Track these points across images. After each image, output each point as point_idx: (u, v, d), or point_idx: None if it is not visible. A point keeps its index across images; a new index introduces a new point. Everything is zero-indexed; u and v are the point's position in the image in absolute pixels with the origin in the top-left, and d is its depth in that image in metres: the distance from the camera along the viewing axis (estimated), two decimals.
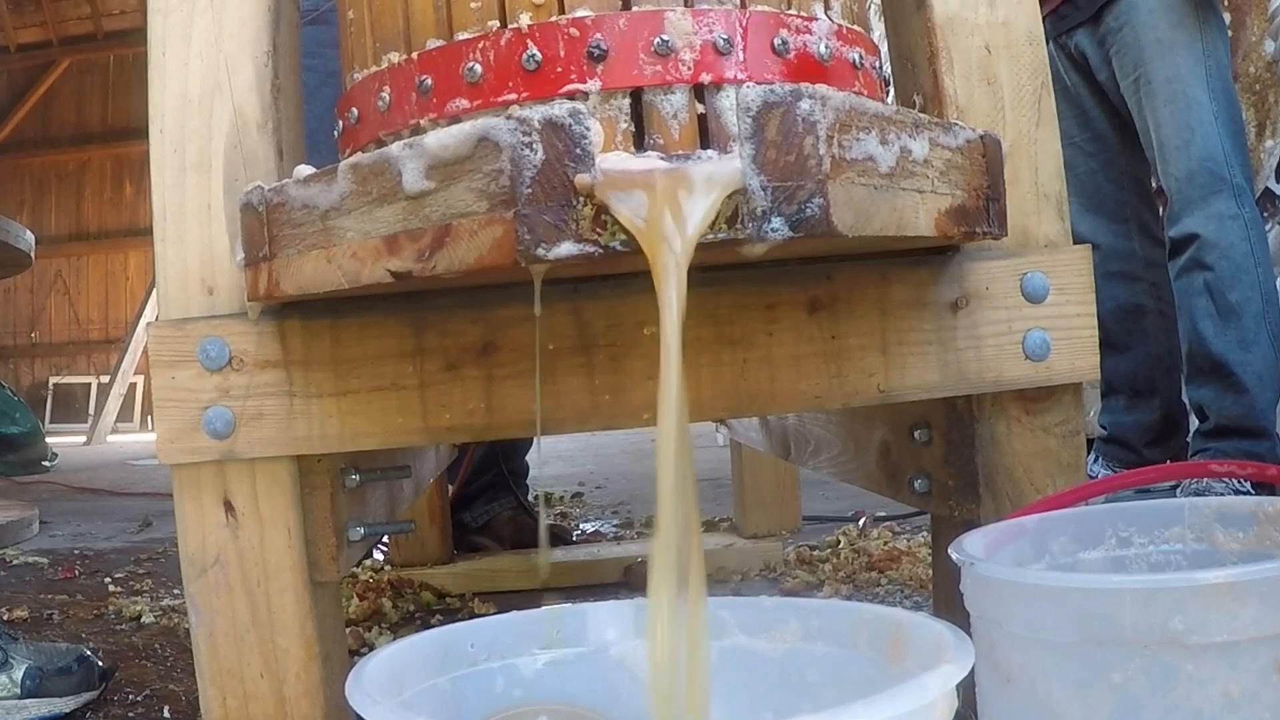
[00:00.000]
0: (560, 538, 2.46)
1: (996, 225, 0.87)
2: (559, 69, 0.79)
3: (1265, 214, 2.75)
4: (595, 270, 0.89)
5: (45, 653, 1.49)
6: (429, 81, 0.84)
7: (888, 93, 1.01)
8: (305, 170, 0.83)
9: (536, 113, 0.68)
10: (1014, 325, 0.99)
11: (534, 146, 0.68)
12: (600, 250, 0.68)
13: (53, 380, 10.76)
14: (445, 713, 0.71)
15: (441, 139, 0.71)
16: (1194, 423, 2.40)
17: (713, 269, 0.94)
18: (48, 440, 3.66)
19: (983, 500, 1.01)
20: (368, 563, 2.30)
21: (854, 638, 0.71)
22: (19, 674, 1.43)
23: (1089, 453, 1.81)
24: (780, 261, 0.96)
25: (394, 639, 1.09)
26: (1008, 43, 1.02)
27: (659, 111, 0.80)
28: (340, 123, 0.95)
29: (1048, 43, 1.05)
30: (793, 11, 0.85)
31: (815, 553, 2.19)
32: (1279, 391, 2.29)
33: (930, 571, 1.39)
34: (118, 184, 11.10)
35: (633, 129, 0.80)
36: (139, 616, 2.02)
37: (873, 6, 2.36)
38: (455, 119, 0.82)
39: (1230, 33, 2.50)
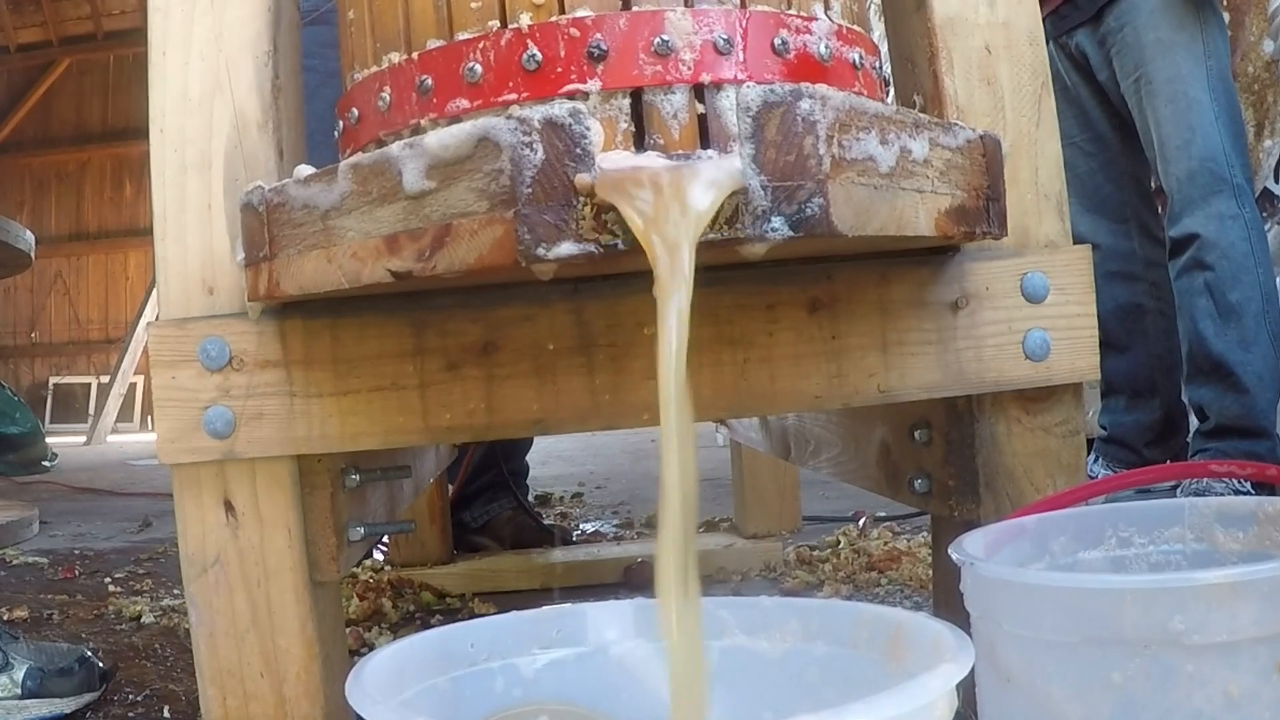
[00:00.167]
0: (560, 538, 2.46)
1: (996, 225, 0.87)
2: (559, 69, 0.80)
3: (1264, 214, 2.75)
4: (595, 270, 0.89)
5: (46, 653, 1.49)
6: (429, 81, 0.84)
7: (888, 93, 1.01)
8: (305, 170, 0.83)
9: (537, 113, 0.68)
10: (1014, 325, 0.99)
11: (534, 146, 0.68)
12: (600, 250, 0.68)
13: (53, 380, 10.76)
14: (445, 713, 0.71)
15: (442, 139, 0.71)
16: (1194, 423, 2.40)
17: (713, 269, 0.94)
18: (48, 440, 3.66)
19: (983, 500, 1.01)
20: (368, 563, 2.30)
21: (854, 638, 0.71)
22: (20, 674, 1.43)
23: (1089, 453, 1.81)
24: (780, 261, 0.96)
25: (394, 639, 1.09)
26: (1008, 43, 1.02)
27: (659, 111, 0.80)
28: (340, 123, 0.95)
29: (1048, 43, 1.05)
30: (793, 11, 0.85)
31: (815, 553, 2.18)
32: (1279, 391, 2.29)
33: (930, 571, 1.39)
34: (118, 184, 11.10)
35: (633, 129, 0.80)
36: (139, 616, 2.02)
37: (873, 6, 2.36)
38: (455, 119, 0.82)
39: (1229, 32, 2.50)
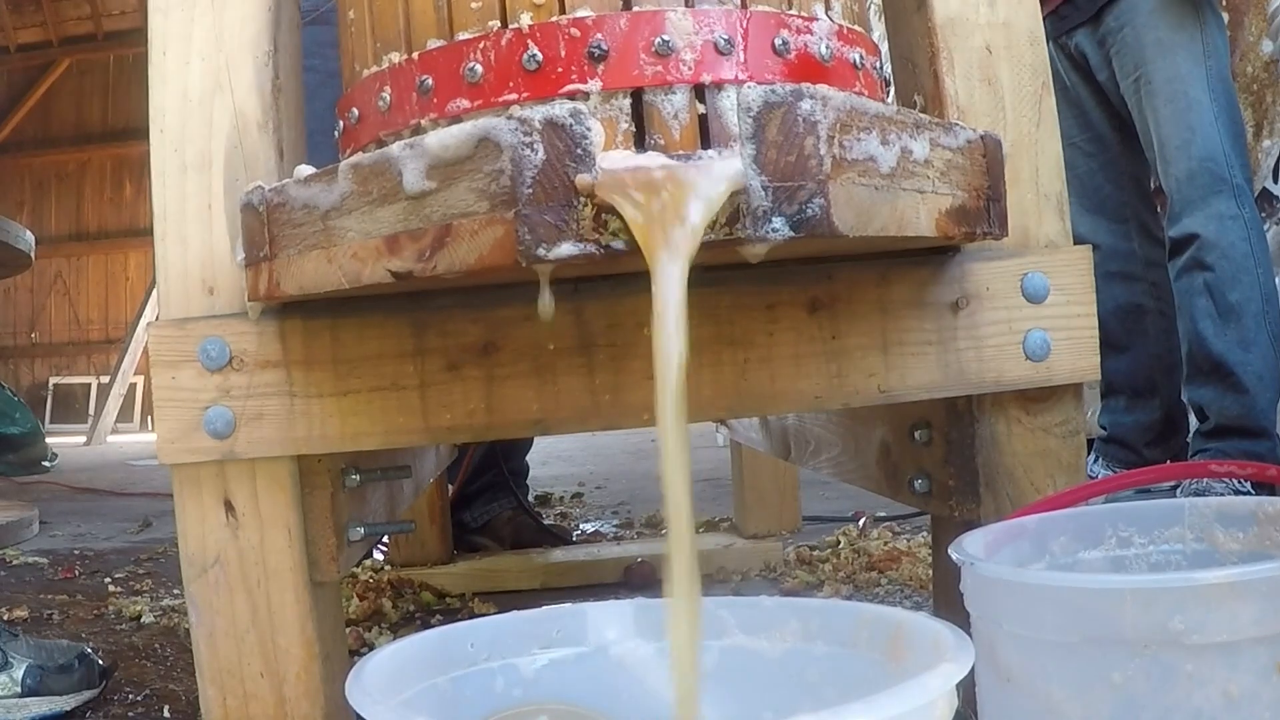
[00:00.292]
0: (560, 538, 2.46)
1: (997, 225, 0.87)
2: (560, 69, 0.80)
3: (1263, 214, 2.75)
4: (596, 270, 0.89)
5: (45, 651, 1.49)
6: (430, 81, 0.84)
7: (888, 93, 1.01)
8: (306, 170, 0.84)
9: (537, 113, 0.68)
10: (1014, 325, 0.99)
11: (535, 146, 0.68)
12: (601, 250, 0.68)
13: (53, 380, 10.76)
14: (445, 712, 0.71)
15: (442, 139, 0.71)
16: (1194, 423, 2.40)
17: (713, 269, 0.94)
18: (48, 440, 3.66)
19: (983, 500, 1.01)
20: (368, 563, 2.30)
21: (854, 638, 0.71)
22: (19, 672, 1.43)
23: (1089, 453, 1.81)
24: (780, 261, 0.96)
25: (394, 639, 1.09)
26: (1008, 43, 1.02)
27: (660, 112, 0.80)
28: (341, 123, 0.95)
29: (1047, 43, 1.05)
30: (793, 12, 0.85)
31: (815, 553, 2.18)
32: (1279, 391, 2.29)
33: (930, 571, 1.39)
34: (118, 184, 11.10)
35: (633, 129, 0.80)
36: (139, 616, 2.02)
37: (873, 6, 2.36)
38: (456, 119, 0.82)
39: (1228, 32, 2.50)
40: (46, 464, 3.57)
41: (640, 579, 2.07)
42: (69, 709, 1.46)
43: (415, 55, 0.86)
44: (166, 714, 1.46)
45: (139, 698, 1.53)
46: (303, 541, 0.96)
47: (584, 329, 0.96)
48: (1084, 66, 2.46)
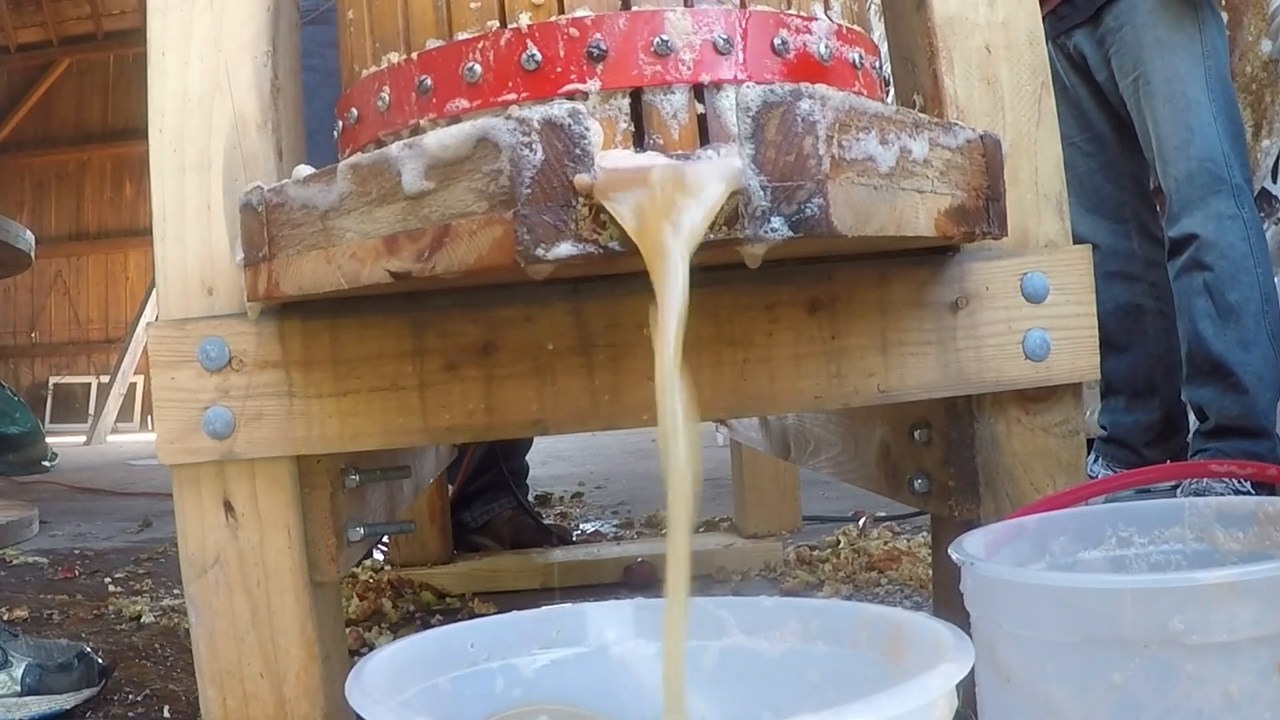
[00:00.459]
0: (560, 538, 2.46)
1: (996, 225, 0.87)
2: (558, 69, 0.79)
3: (1262, 214, 2.75)
4: (595, 270, 0.89)
5: (45, 650, 1.49)
6: (429, 81, 0.84)
7: (888, 93, 1.01)
8: (305, 170, 0.83)
9: (536, 113, 0.68)
10: (1014, 325, 0.99)
11: (533, 146, 0.68)
12: (599, 250, 0.68)
13: (53, 380, 10.76)
14: (445, 713, 0.71)
15: (441, 139, 0.71)
16: (1194, 423, 2.40)
17: (713, 269, 0.94)
18: (48, 440, 3.66)
19: (983, 500, 1.01)
20: (368, 563, 2.30)
21: (854, 638, 0.71)
22: (19, 671, 1.43)
23: (1089, 453, 1.81)
24: (780, 261, 0.96)
25: (394, 639, 1.09)
26: (1008, 43, 1.02)
27: (659, 111, 0.79)
28: (340, 123, 0.95)
29: (1046, 43, 1.05)
30: (792, 11, 0.85)
31: (815, 553, 2.18)
32: (1279, 391, 2.29)
33: (930, 571, 1.39)
34: (118, 184, 11.10)
35: (632, 129, 0.80)
36: (139, 616, 2.02)
37: (873, 6, 2.36)
38: (455, 119, 0.82)
39: (1227, 32, 2.50)
40: (46, 464, 3.57)
41: (640, 579, 2.07)
42: (69, 708, 1.46)
43: (414, 55, 0.86)
44: (166, 714, 1.46)
45: (139, 698, 1.53)
46: (302, 542, 0.96)
47: (584, 329, 0.96)
48: (1083, 66, 2.46)
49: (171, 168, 0.96)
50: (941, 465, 1.08)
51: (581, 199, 0.68)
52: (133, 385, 9.67)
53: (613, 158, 0.69)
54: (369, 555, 2.32)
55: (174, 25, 0.98)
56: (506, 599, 2.02)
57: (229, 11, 0.98)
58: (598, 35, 0.79)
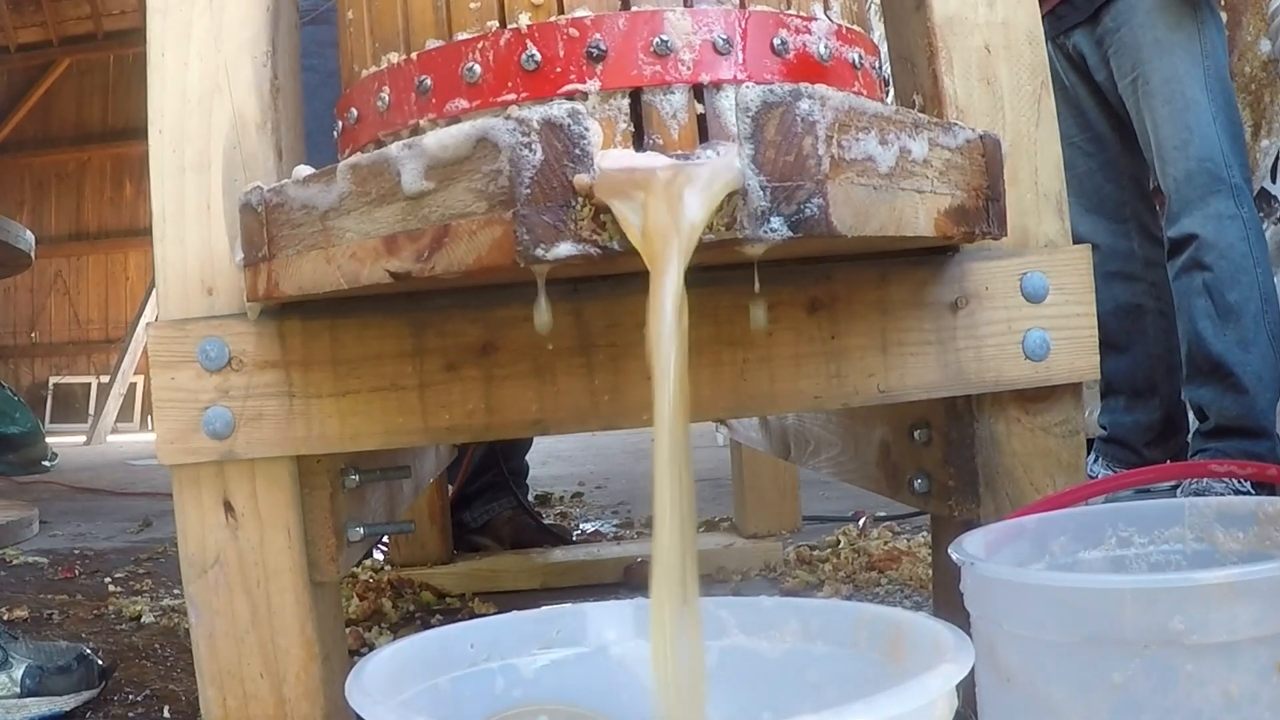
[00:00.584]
0: (560, 537, 2.46)
1: (996, 225, 0.87)
2: (558, 69, 0.79)
3: (1261, 214, 2.75)
4: (595, 270, 0.89)
5: (45, 651, 1.49)
6: (428, 82, 0.84)
7: (888, 93, 1.01)
8: (304, 171, 0.83)
9: (535, 113, 0.68)
10: (1014, 325, 0.99)
11: (533, 147, 0.68)
12: (599, 250, 0.68)
13: (53, 380, 10.76)
14: (445, 713, 0.71)
15: (440, 139, 0.71)
16: (1194, 423, 2.40)
17: (713, 269, 0.94)
18: (48, 440, 3.66)
19: (983, 500, 1.01)
20: (368, 563, 2.30)
21: (854, 638, 0.71)
22: (19, 673, 1.43)
23: (1089, 453, 1.81)
24: (780, 261, 0.96)
25: (394, 639, 1.09)
26: (1007, 43, 1.02)
27: (658, 111, 0.79)
28: (339, 123, 0.95)
29: (1045, 43, 1.05)
30: (792, 11, 0.85)
31: (815, 553, 2.18)
32: (1279, 391, 2.29)
33: (930, 571, 1.39)
34: (118, 184, 11.10)
35: (632, 129, 0.80)
36: (139, 616, 2.02)
37: (872, 6, 2.36)
38: (454, 119, 0.82)
39: (1225, 32, 2.50)
40: (46, 464, 3.57)
41: (640, 579, 2.07)
42: (68, 709, 1.46)
43: (414, 55, 0.86)
44: (166, 714, 1.46)
45: (139, 698, 1.53)
46: (302, 542, 0.96)
47: (583, 329, 0.96)
48: (1082, 66, 2.46)
49: (171, 168, 0.96)
50: (941, 465, 1.08)
51: (581, 199, 0.68)
52: (133, 385, 9.67)
53: (612, 158, 0.69)
54: (369, 555, 2.32)
55: (174, 25, 0.98)
56: (506, 599, 2.02)
57: (229, 12, 0.98)
58: (597, 35, 0.79)
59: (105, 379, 9.43)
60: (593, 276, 0.95)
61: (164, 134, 0.97)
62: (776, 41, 0.83)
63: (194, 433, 0.93)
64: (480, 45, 0.82)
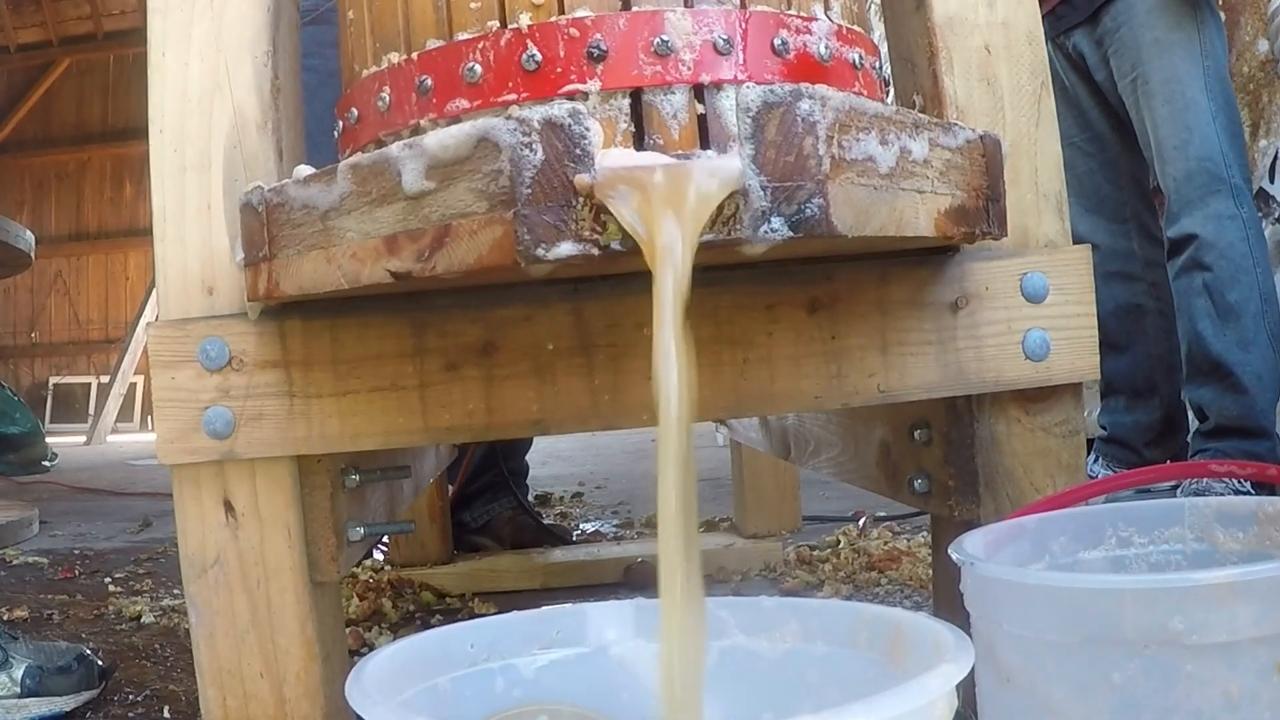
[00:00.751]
0: (560, 538, 2.46)
1: (996, 225, 0.87)
2: (559, 69, 0.79)
3: (1260, 214, 2.75)
4: (595, 270, 0.89)
5: (45, 652, 1.49)
6: (429, 82, 0.84)
7: (888, 93, 1.01)
8: (305, 170, 0.83)
9: (536, 113, 0.68)
10: (1014, 325, 0.99)
11: (534, 147, 0.68)
12: (599, 250, 0.68)
13: (53, 380, 10.76)
14: (445, 713, 0.71)
15: (441, 139, 0.71)
16: (1194, 423, 2.40)
17: (713, 269, 0.94)
18: (48, 440, 3.66)
19: (983, 500, 1.01)
20: (368, 563, 2.30)
21: (854, 638, 0.71)
22: (19, 673, 1.43)
23: (1089, 453, 1.81)
24: (780, 261, 0.96)
25: (394, 639, 1.09)
26: (1007, 43, 1.02)
27: (659, 111, 0.80)
28: (340, 123, 0.95)
29: (1045, 43, 1.05)
30: (793, 12, 0.85)
31: (815, 553, 2.18)
32: (1278, 391, 2.29)
33: (930, 571, 1.39)
34: (118, 184, 11.10)
35: (633, 129, 0.80)
36: (139, 616, 2.02)
37: (873, 6, 2.36)
38: (455, 119, 0.82)
39: (1225, 32, 2.50)
40: (46, 464, 3.57)
41: (640, 579, 2.07)
42: (69, 709, 1.46)
43: (414, 55, 0.86)
44: (166, 714, 1.46)
45: (139, 698, 1.53)
46: (303, 541, 0.96)
47: (584, 329, 0.96)
48: (1082, 66, 2.46)
49: (172, 167, 0.96)
50: (941, 465, 1.08)
51: (582, 199, 0.68)
52: (133, 385, 9.67)
53: (613, 157, 0.69)
54: (369, 555, 2.32)
55: (174, 25, 0.98)
56: (506, 599, 2.02)
57: (229, 11, 0.98)
58: (598, 35, 0.79)
59: (105, 379, 9.43)
60: (593, 276, 0.95)
61: (164, 134, 0.97)
62: (777, 42, 0.83)
63: (194, 432, 0.93)
64: (481, 45, 0.82)
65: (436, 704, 0.70)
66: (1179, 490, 2.10)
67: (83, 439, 8.58)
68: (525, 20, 0.81)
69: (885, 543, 2.21)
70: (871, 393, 0.99)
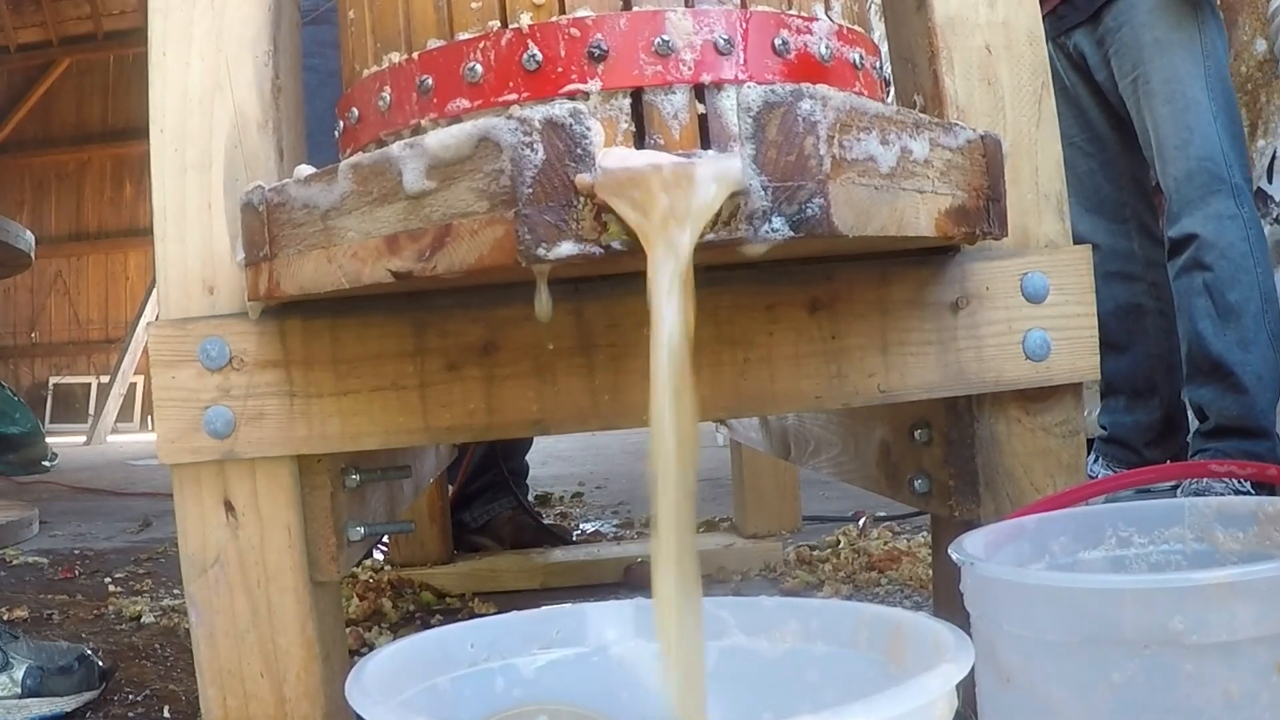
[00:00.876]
0: (560, 537, 2.46)
1: (996, 225, 0.87)
2: (560, 69, 0.79)
3: (1259, 214, 2.75)
4: (596, 270, 0.89)
5: (46, 652, 1.49)
6: (430, 81, 0.84)
7: (888, 93, 1.01)
8: (306, 170, 0.84)
9: (537, 112, 0.68)
10: (1014, 325, 0.99)
11: (535, 146, 0.68)
12: (600, 250, 0.68)
13: (53, 380, 10.76)
14: (445, 713, 0.71)
15: (442, 139, 0.71)
16: (1194, 423, 2.40)
17: (713, 269, 0.94)
18: (48, 440, 3.66)
19: (983, 500, 1.01)
20: (368, 563, 2.30)
21: (854, 638, 0.71)
22: (20, 673, 1.43)
23: (1089, 453, 1.81)
24: (780, 261, 0.96)
25: (394, 639, 1.09)
26: (1008, 43, 1.02)
27: (660, 111, 0.80)
28: (341, 123, 0.95)
29: (1046, 43, 1.05)
30: (793, 12, 0.85)
31: (815, 553, 2.18)
32: (1279, 391, 2.29)
33: (930, 571, 1.39)
34: (118, 184, 11.10)
35: (633, 129, 0.80)
36: (139, 616, 2.02)
37: (873, 6, 2.36)
38: (456, 119, 0.82)
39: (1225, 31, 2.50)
40: (46, 464, 3.57)
41: (640, 579, 2.07)
42: (69, 710, 1.46)
43: (415, 55, 0.86)
44: (166, 714, 1.46)
45: (139, 698, 1.53)
46: (303, 541, 0.96)
47: (584, 329, 0.96)
48: (1082, 66, 2.46)
49: (172, 167, 0.96)
50: (941, 465, 1.08)
51: (583, 198, 0.68)
52: (133, 385, 9.67)
53: (614, 157, 0.69)
54: (369, 555, 2.32)
55: (175, 25, 0.98)
56: (506, 599, 2.02)
57: (230, 11, 0.98)
58: (599, 35, 0.79)
59: (105, 379, 9.43)
60: (593, 276, 0.95)
61: (165, 133, 0.97)
62: (778, 42, 0.83)
63: (195, 432, 0.93)
64: (481, 45, 0.82)
65: (436, 704, 0.70)
66: (1179, 490, 2.10)
67: (83, 439, 8.57)
68: (526, 20, 0.81)
69: (885, 543, 2.21)
70: (872, 393, 0.99)
